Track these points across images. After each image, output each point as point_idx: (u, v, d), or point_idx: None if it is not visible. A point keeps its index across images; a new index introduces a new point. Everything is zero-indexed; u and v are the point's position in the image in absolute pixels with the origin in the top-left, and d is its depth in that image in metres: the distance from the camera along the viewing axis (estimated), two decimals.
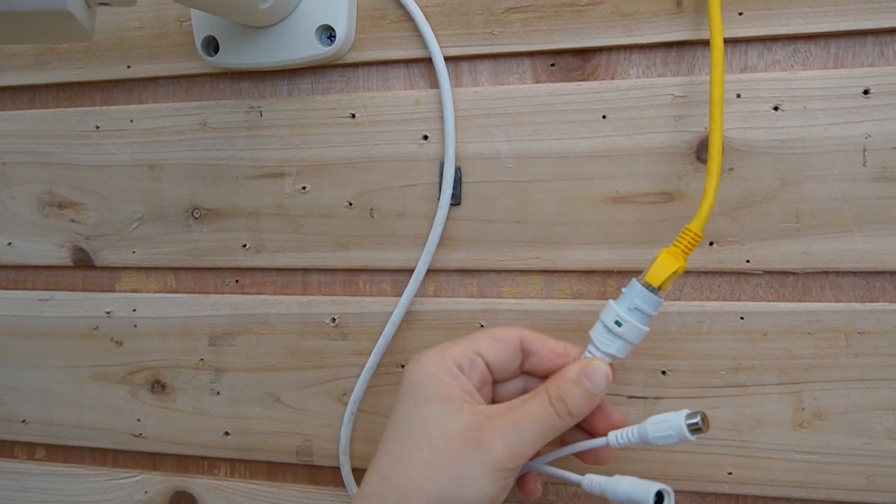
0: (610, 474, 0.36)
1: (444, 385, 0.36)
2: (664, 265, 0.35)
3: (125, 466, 0.53)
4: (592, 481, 0.36)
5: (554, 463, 0.38)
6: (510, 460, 0.33)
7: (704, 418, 0.34)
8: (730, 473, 0.41)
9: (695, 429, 0.34)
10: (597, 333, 0.36)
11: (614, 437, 0.36)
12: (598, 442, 0.37)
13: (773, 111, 0.39)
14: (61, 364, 0.53)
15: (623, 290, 0.36)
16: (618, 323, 0.35)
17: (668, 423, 0.34)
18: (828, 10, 0.38)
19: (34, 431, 0.54)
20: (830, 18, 0.38)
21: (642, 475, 0.42)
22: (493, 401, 0.39)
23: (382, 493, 0.35)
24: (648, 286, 0.35)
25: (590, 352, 0.37)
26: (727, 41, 0.39)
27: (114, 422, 0.52)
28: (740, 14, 0.39)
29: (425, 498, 0.33)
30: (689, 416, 0.34)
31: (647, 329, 0.36)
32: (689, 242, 0.35)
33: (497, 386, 0.39)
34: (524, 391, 0.39)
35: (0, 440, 0.56)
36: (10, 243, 0.53)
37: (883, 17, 0.37)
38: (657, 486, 0.34)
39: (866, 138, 0.38)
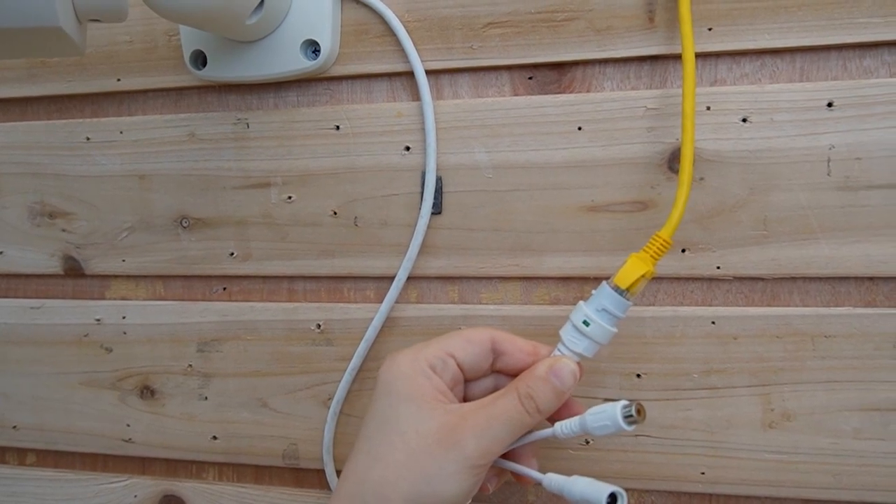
0: (570, 474, 0.36)
1: (418, 385, 0.36)
2: (632, 269, 0.36)
3: (115, 471, 0.54)
4: (552, 480, 0.37)
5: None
6: (482, 457, 0.34)
7: (640, 409, 0.34)
8: (703, 473, 0.43)
9: (630, 420, 0.34)
10: (566, 333, 0.38)
11: (560, 427, 0.36)
12: (545, 432, 0.37)
13: (741, 123, 0.40)
14: (52, 371, 0.53)
15: (593, 291, 0.37)
16: (585, 323, 0.37)
17: (605, 413, 0.35)
18: (793, 26, 0.39)
19: (25, 437, 0.55)
20: (796, 34, 0.39)
21: (617, 475, 0.44)
22: (465, 399, 0.40)
23: (359, 493, 0.35)
24: (616, 288, 0.36)
25: (559, 350, 0.37)
26: (697, 55, 0.40)
27: (104, 427, 0.53)
28: (710, 30, 0.40)
29: (401, 497, 0.34)
30: (624, 407, 0.34)
31: (614, 330, 0.37)
32: (659, 248, 0.37)
33: (469, 384, 0.40)
34: (495, 389, 0.40)
35: None
36: (1, 252, 0.53)
37: (846, 32, 0.39)
38: (611, 488, 0.34)
39: (830, 149, 0.39)
